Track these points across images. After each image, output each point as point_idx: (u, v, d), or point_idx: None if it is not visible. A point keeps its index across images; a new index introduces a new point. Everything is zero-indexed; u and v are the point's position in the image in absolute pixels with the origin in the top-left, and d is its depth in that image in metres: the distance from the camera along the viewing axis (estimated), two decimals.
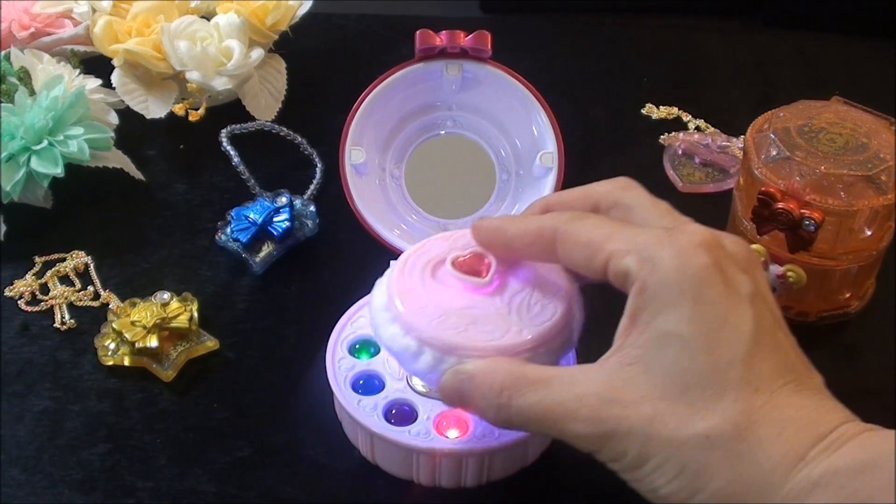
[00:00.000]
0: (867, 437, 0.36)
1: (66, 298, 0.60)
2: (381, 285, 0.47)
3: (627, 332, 0.39)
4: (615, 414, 0.38)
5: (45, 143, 0.62)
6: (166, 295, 0.57)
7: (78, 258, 0.62)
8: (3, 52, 0.67)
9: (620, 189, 0.45)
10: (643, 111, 0.77)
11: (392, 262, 0.49)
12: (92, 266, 0.62)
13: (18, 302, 0.60)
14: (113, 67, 0.69)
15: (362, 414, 0.49)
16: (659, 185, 0.70)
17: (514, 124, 0.57)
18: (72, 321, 0.58)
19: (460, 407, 0.43)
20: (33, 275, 0.61)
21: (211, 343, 0.56)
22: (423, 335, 0.44)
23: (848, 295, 0.58)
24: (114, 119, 0.68)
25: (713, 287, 0.38)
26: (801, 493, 0.35)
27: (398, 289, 0.46)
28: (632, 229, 0.41)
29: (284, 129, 0.68)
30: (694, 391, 0.37)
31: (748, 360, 0.37)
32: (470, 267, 0.46)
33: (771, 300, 0.41)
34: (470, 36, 0.54)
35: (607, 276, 0.41)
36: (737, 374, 0.37)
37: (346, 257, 0.63)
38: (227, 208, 0.64)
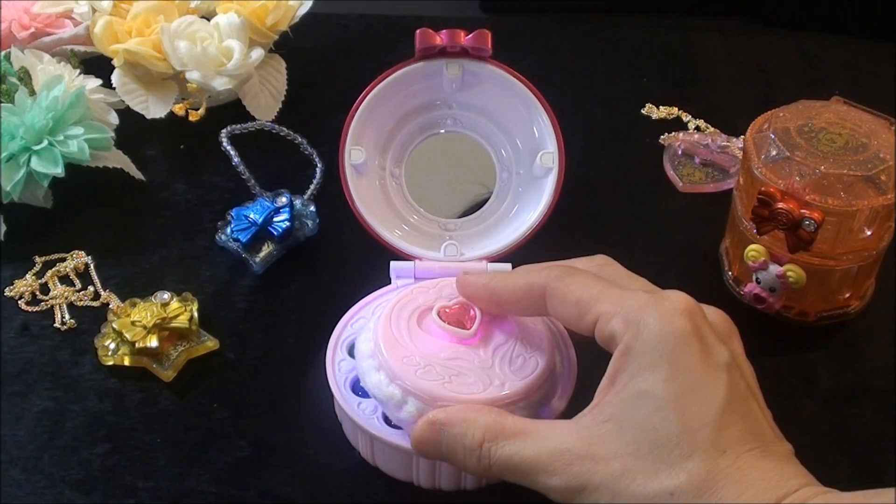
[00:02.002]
0: (822, 499, 0.37)
1: (66, 298, 0.60)
2: (367, 331, 0.49)
3: (605, 392, 0.41)
4: (587, 469, 0.39)
5: (45, 143, 0.62)
6: (166, 295, 0.57)
7: (78, 258, 0.62)
8: (3, 52, 0.67)
9: (599, 267, 0.47)
10: (643, 111, 0.77)
11: (378, 306, 0.51)
12: (92, 266, 0.62)
13: (18, 302, 0.60)
14: (113, 67, 0.69)
15: (362, 416, 0.49)
16: (659, 185, 0.70)
17: (515, 124, 0.57)
18: (72, 321, 0.58)
19: (434, 458, 0.45)
20: (33, 275, 0.61)
21: (211, 343, 0.56)
22: (408, 385, 0.46)
23: (848, 295, 0.58)
24: (114, 119, 0.68)
25: (691, 353, 0.40)
26: None
27: (384, 337, 0.48)
28: (620, 291, 0.43)
29: (284, 129, 0.68)
30: (663, 449, 0.38)
31: (718, 423, 0.39)
32: (455, 318, 0.49)
33: (747, 371, 0.43)
34: (470, 35, 0.54)
35: (594, 336, 0.43)
36: (706, 436, 0.38)
37: (346, 257, 0.63)
38: (227, 208, 0.64)
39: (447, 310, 0.49)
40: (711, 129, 0.74)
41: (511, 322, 0.49)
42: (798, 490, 0.38)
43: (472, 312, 0.49)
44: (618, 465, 0.39)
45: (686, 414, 0.39)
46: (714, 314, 0.44)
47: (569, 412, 0.45)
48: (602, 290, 0.43)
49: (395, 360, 0.47)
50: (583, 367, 0.50)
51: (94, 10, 0.72)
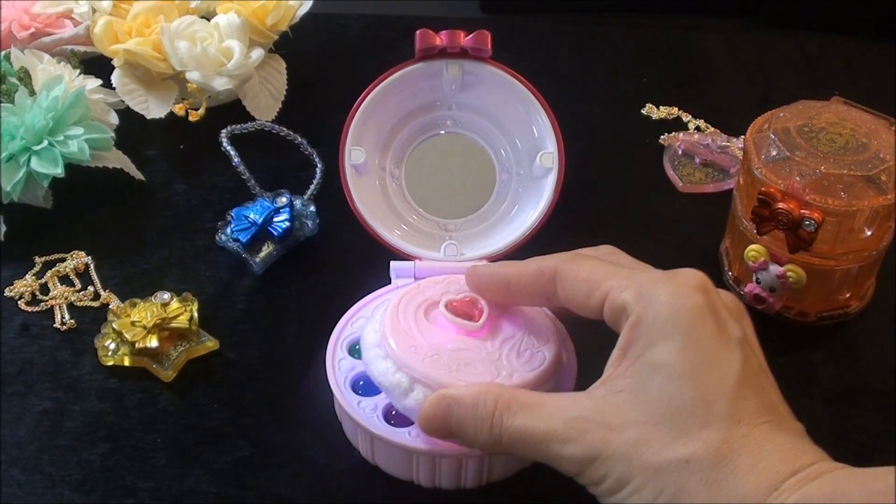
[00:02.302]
0: (841, 473, 0.37)
1: (66, 298, 0.60)
2: (374, 323, 0.49)
3: (617, 363, 0.41)
4: (601, 437, 0.39)
5: (45, 143, 0.62)
6: (166, 295, 0.57)
7: (78, 258, 0.62)
8: (3, 52, 0.67)
9: (604, 255, 0.47)
10: (643, 111, 0.77)
11: (383, 300, 0.51)
12: (92, 266, 0.62)
13: (18, 302, 0.60)
14: (113, 67, 0.69)
15: (362, 415, 0.49)
16: (659, 185, 0.70)
17: (515, 124, 0.57)
18: (72, 321, 0.58)
19: (442, 435, 0.44)
20: (33, 275, 0.61)
21: (211, 343, 0.56)
22: (415, 372, 0.45)
23: (848, 295, 0.58)
24: (114, 119, 0.68)
25: (705, 326, 0.40)
26: None
27: (391, 327, 0.48)
28: (630, 270, 0.43)
29: (284, 129, 0.68)
30: (679, 418, 0.38)
31: (734, 395, 0.39)
32: (463, 311, 0.49)
33: (758, 349, 0.43)
34: (470, 35, 0.54)
35: (603, 313, 0.43)
36: (722, 407, 0.38)
37: (346, 257, 0.63)
38: (227, 208, 0.64)
39: (454, 303, 0.49)
40: (711, 129, 0.74)
41: (518, 316, 0.49)
42: (813, 464, 0.37)
43: (479, 305, 0.49)
44: (633, 433, 0.39)
45: (702, 385, 0.39)
46: (725, 294, 0.44)
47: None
48: (612, 269, 0.43)
49: (403, 348, 0.46)
50: (582, 366, 0.50)
51: (94, 10, 0.72)
